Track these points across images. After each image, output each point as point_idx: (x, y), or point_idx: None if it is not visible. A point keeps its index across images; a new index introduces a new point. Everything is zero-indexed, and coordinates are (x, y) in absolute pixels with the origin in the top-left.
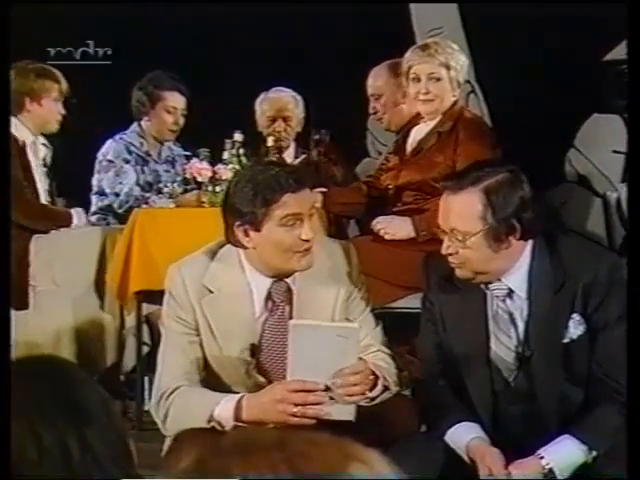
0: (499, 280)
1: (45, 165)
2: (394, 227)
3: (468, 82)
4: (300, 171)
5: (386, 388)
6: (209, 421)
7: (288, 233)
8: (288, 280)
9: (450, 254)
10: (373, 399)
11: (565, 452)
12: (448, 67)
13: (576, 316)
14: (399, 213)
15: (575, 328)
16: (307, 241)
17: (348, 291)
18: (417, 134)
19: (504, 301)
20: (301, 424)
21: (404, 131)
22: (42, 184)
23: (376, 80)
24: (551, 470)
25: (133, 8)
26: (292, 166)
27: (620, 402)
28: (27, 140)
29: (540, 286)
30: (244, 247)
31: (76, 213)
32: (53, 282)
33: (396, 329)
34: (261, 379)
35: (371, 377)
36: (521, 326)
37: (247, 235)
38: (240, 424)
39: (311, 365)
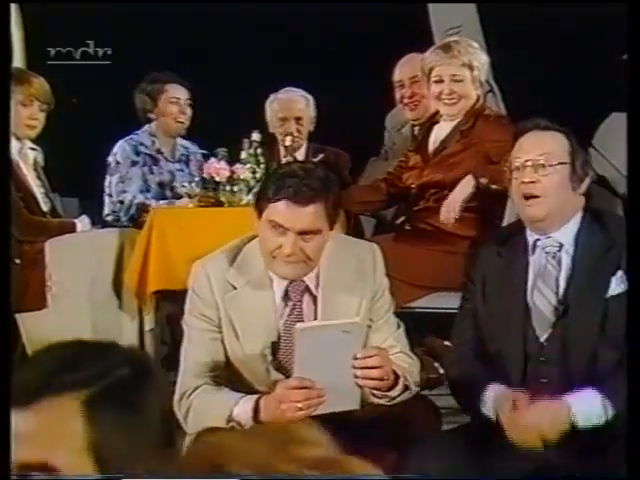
0: (550, 237)
1: (36, 169)
2: (456, 192)
3: (486, 81)
4: (310, 185)
5: (406, 388)
6: (228, 421)
7: (272, 238)
8: (305, 279)
9: (532, 182)
10: (393, 399)
11: (590, 404)
12: (471, 67)
13: (619, 272)
14: (420, 212)
15: (617, 284)
16: (288, 255)
17: (372, 292)
18: (439, 133)
19: (554, 257)
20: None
21: (425, 129)
22: (38, 189)
23: (415, 66)
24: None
25: (133, 8)
26: (309, 177)
27: None
28: (13, 150)
29: (588, 246)
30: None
31: (80, 222)
32: (71, 283)
33: (413, 329)
34: (280, 377)
35: (392, 376)
36: (565, 282)
37: (256, 216)
38: (259, 424)
39: (318, 364)
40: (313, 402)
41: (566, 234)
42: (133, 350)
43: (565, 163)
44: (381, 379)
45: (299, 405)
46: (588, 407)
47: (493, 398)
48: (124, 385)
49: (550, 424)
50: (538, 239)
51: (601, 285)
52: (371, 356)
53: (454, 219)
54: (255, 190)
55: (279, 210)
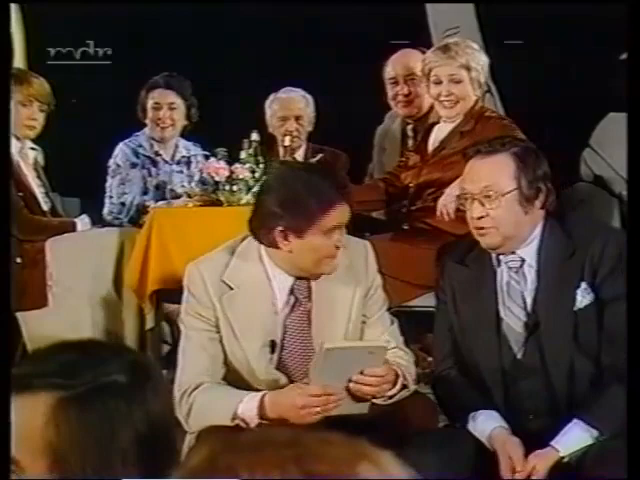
0: (513, 253)
1: (36, 168)
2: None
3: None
4: (346, 185)
5: (404, 386)
6: (233, 419)
7: (327, 241)
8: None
9: (481, 217)
10: (391, 398)
11: (578, 442)
12: (469, 68)
13: (584, 284)
14: (417, 211)
15: (583, 297)
16: (339, 248)
17: (365, 289)
18: (438, 133)
19: (517, 272)
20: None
21: (425, 129)
22: (38, 188)
23: (409, 63)
24: (568, 463)
25: (133, 8)
26: (338, 179)
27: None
28: (13, 149)
29: (550, 256)
30: (278, 248)
31: (80, 222)
32: (72, 282)
33: (410, 328)
34: (280, 376)
35: (387, 389)
36: (532, 296)
37: (287, 239)
38: (264, 422)
39: (335, 378)
40: (330, 407)
41: (527, 249)
42: (137, 359)
43: (511, 191)
44: (373, 396)
45: (318, 409)
46: (576, 444)
47: (489, 438)
48: (110, 392)
49: (543, 472)
50: (501, 253)
51: (568, 295)
52: (372, 376)
53: (450, 213)
54: (254, 190)
55: (337, 214)
